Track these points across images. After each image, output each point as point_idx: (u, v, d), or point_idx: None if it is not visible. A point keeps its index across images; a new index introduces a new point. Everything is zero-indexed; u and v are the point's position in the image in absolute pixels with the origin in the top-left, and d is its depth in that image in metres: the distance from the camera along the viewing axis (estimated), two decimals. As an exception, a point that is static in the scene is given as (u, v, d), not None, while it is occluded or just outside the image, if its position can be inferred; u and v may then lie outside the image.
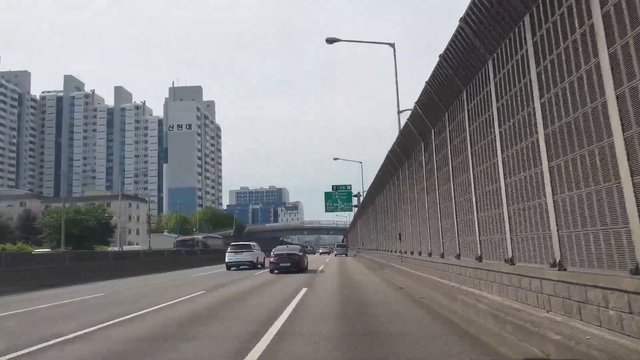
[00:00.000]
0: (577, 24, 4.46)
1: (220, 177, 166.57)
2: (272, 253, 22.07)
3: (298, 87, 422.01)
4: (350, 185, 51.64)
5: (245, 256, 25.98)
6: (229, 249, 26.69)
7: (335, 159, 47.41)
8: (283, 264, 20.64)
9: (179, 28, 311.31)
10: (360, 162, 49.60)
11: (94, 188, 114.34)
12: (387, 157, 16.74)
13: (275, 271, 20.49)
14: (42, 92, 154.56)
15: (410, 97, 14.74)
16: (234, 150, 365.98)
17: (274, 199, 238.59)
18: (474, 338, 5.36)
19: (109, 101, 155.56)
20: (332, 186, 49.85)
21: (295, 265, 20.69)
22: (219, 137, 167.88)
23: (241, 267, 25.30)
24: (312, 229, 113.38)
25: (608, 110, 4.01)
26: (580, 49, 4.43)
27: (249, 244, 27.33)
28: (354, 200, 46.80)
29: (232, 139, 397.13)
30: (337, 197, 48.98)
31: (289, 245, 28.06)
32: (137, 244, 71.88)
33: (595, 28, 4.13)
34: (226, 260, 25.70)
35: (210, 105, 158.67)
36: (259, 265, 26.37)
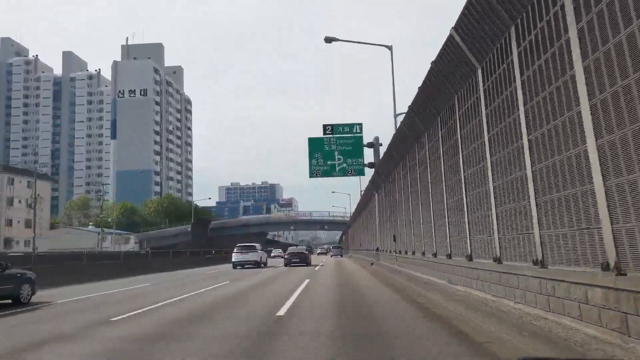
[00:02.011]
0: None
1: (189, 160, 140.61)
2: (286, 252, 34.11)
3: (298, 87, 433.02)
4: (360, 124, 28.85)
5: (250, 256, 30.62)
6: (235, 249, 31.23)
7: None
8: (294, 260, 31.08)
9: None
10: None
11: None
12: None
13: (289, 265, 30.40)
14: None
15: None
16: (234, 150, 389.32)
17: (266, 196, 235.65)
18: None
19: (59, 71, 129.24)
20: (324, 126, 28.72)
21: (303, 261, 31.02)
22: (189, 111, 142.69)
23: (246, 266, 29.80)
24: (301, 223, 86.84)
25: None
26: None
27: (254, 245, 32.20)
28: (368, 156, 27.97)
29: (232, 138, 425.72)
30: (334, 146, 28.48)
31: (298, 246, 44.56)
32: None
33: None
34: (233, 259, 30.27)
35: (178, 72, 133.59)
36: (262, 265, 31.11)
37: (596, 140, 4.84)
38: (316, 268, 23.58)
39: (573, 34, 5.12)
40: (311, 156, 26.94)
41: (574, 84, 5.22)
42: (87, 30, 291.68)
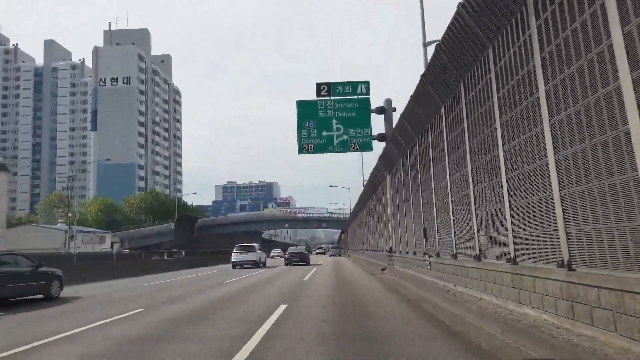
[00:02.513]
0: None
1: (179, 155, 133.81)
2: (287, 252, 36.00)
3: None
4: (366, 83, 22.30)
5: (249, 256, 31.66)
6: (234, 249, 32.22)
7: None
8: (294, 259, 33.16)
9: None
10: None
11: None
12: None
13: (290, 264, 32.43)
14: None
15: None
16: (234, 150, 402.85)
17: (264, 195, 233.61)
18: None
19: (41, 61, 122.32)
20: (319, 86, 22.25)
21: (302, 260, 33.10)
22: (178, 103, 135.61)
23: (245, 266, 31.06)
24: (296, 220, 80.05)
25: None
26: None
27: (253, 246, 33.16)
28: (377, 125, 28.81)
29: (232, 138, 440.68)
30: (332, 112, 21.69)
31: (297, 246, 45.70)
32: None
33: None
34: (232, 259, 31.48)
35: (166, 60, 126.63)
36: (261, 265, 32.26)
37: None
38: (305, 278, 18.74)
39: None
40: (301, 126, 21.40)
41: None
42: (72, 19, 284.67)
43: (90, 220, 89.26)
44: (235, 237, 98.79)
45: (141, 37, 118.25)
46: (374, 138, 20.40)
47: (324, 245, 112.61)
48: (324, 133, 20.29)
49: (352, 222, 51.90)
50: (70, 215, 56.89)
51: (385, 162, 19.36)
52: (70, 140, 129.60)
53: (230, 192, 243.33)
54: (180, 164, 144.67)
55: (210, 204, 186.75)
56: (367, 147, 20.98)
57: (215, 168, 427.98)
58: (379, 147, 20.87)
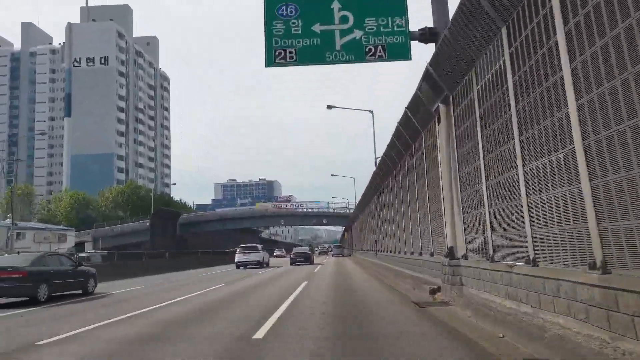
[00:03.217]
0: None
1: (166, 146, 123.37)
2: (292, 252, 40.06)
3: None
4: None
5: (252, 257, 32.97)
6: (238, 250, 33.79)
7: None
8: (299, 259, 36.33)
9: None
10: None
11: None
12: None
13: (295, 264, 35.30)
14: None
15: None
16: (235, 150, 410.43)
17: (264, 193, 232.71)
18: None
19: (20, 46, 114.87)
20: None
21: (306, 260, 36.23)
22: (166, 90, 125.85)
23: (248, 266, 32.29)
24: (293, 216, 69.73)
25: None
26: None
27: (256, 246, 35.10)
28: (416, 19, 11.60)
29: (233, 138, 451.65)
30: None
31: (301, 247, 50.76)
32: None
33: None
34: (236, 260, 32.80)
35: (152, 43, 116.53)
36: (264, 265, 33.43)
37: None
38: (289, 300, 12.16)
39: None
40: (272, 14, 11.83)
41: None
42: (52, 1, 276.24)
43: (60, 216, 79.33)
44: (227, 236, 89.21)
45: (122, 13, 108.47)
46: (413, 37, 11.26)
47: (326, 245, 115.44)
48: (318, 26, 11.58)
49: (357, 217, 45.32)
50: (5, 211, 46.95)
51: (439, 81, 9.20)
52: (50, 131, 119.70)
53: (231, 191, 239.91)
54: (168, 157, 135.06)
55: (210, 202, 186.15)
56: (399, 51, 11.58)
57: (216, 168, 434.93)
58: (420, 53, 12.14)
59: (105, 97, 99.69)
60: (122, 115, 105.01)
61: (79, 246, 64.28)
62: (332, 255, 59.88)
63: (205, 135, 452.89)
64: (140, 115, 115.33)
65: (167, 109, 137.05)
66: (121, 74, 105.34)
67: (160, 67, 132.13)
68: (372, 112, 31.85)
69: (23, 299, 12.89)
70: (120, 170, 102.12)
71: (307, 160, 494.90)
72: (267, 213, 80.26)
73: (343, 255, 58.68)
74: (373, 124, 31.54)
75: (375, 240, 27.57)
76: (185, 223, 76.22)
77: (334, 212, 76.12)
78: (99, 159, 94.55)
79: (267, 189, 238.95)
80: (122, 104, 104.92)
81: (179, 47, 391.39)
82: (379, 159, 21.85)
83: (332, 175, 62.54)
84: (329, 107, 32.20)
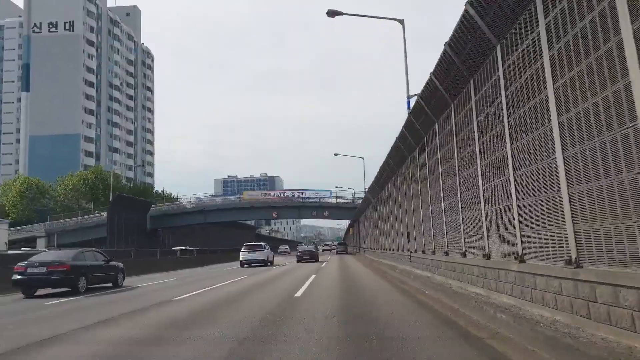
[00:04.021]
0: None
1: (149, 130, 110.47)
2: (298, 251, 43.22)
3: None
4: None
5: (257, 255, 34.33)
6: (243, 248, 35.33)
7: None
8: (305, 257, 39.43)
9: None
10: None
11: None
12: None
13: (301, 261, 38.31)
14: None
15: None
16: (238, 151, 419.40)
17: (265, 189, 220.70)
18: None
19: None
20: None
21: (312, 257, 39.37)
22: (149, 67, 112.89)
23: (253, 264, 33.96)
24: (288, 208, 55.85)
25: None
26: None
27: (261, 244, 36.48)
28: None
29: (233, 139, 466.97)
30: None
31: (308, 246, 53.48)
32: None
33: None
34: (240, 258, 34.64)
35: (132, 14, 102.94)
36: (269, 263, 35.19)
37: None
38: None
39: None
40: None
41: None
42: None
43: (8, 206, 66.38)
44: (215, 231, 77.02)
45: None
46: None
47: (329, 243, 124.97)
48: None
49: (368, 205, 41.05)
50: None
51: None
52: (17, 113, 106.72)
53: (231, 186, 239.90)
54: (151, 142, 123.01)
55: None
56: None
57: (217, 164, 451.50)
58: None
59: (71, 69, 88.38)
60: (92, 91, 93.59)
61: (25, 243, 51.96)
62: (337, 252, 67.83)
63: (207, 131, 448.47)
64: (116, 94, 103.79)
65: (150, 89, 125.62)
66: (90, 42, 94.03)
67: (142, 42, 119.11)
68: (402, 21, 19.26)
69: (65, 289, 15.45)
70: (88, 154, 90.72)
71: (308, 156, 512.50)
72: (256, 204, 68.37)
73: (346, 253, 66.60)
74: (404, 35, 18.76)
75: (408, 233, 19.45)
76: (157, 215, 64.57)
77: (338, 202, 63.43)
78: (62, 140, 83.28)
79: (268, 184, 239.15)
80: (92, 78, 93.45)
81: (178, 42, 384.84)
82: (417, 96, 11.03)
83: (335, 154, 50.34)
84: (331, 13, 20.85)
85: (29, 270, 14.77)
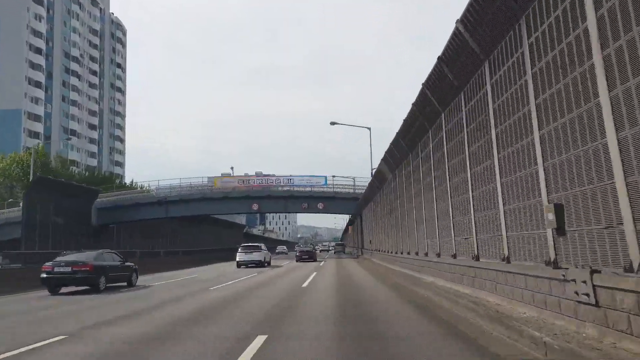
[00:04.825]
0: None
1: (118, 113, 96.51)
2: (297, 250, 48.37)
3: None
4: None
5: (254, 256, 34.85)
6: (239, 249, 36.40)
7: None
8: (304, 256, 43.20)
9: None
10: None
11: None
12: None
13: (300, 260, 42.56)
14: None
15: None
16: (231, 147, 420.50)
17: None
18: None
19: None
20: None
21: (311, 257, 43.50)
22: (119, 41, 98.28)
23: (249, 265, 35.04)
24: (270, 198, 40.06)
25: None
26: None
27: (258, 245, 37.41)
28: None
29: (226, 134, 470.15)
30: None
31: (307, 246, 56.11)
32: None
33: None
34: (237, 259, 35.38)
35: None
36: (266, 264, 36.08)
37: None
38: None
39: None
40: None
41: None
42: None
43: None
44: (186, 231, 64.04)
45: None
46: None
47: (326, 243, 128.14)
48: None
49: (373, 196, 34.53)
50: None
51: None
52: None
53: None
54: (121, 127, 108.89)
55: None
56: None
57: (210, 160, 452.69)
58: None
59: (11, 31, 73.66)
60: (41, 60, 79.39)
61: None
62: (335, 253, 72.20)
63: (201, 128, 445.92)
64: (75, 66, 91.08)
65: (121, 67, 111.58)
66: (39, 1, 78.37)
67: (112, 11, 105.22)
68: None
69: (85, 288, 17.77)
70: (34, 135, 77.62)
71: (301, 152, 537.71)
72: (231, 193, 54.14)
73: (344, 253, 70.79)
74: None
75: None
76: (107, 208, 50.79)
77: (335, 192, 50.13)
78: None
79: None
80: (40, 44, 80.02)
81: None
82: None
83: (332, 123, 37.78)
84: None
85: (56, 269, 16.97)
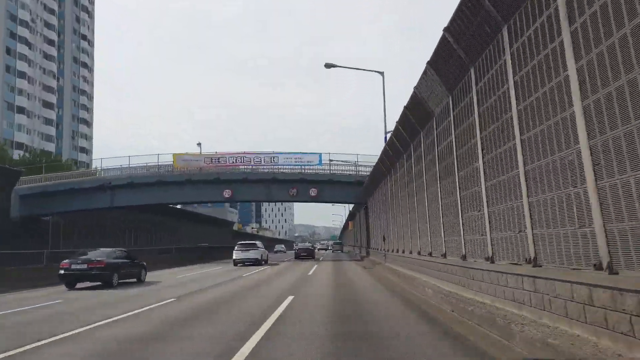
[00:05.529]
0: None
1: (85, 93, 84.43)
2: (297, 248, 52.40)
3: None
4: None
5: (251, 254, 35.79)
6: (236, 247, 37.24)
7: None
8: (303, 254, 47.76)
9: None
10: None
11: None
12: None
13: (299, 258, 47.29)
14: None
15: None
16: (220, 138, 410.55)
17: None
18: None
19: None
20: None
21: (309, 254, 48.47)
22: (85, 10, 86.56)
23: (246, 263, 36.29)
24: (247, 183, 25.07)
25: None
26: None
27: (255, 243, 38.65)
28: None
29: (215, 125, 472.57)
30: None
31: (306, 244, 59.94)
32: None
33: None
34: (233, 257, 36.54)
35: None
36: (263, 262, 37.69)
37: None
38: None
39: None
40: None
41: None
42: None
43: None
44: (153, 226, 53.20)
45: None
46: None
47: (324, 242, 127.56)
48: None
49: (383, 179, 26.77)
50: None
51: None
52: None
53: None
54: (88, 109, 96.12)
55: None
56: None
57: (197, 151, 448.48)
58: None
59: None
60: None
61: None
62: (333, 252, 76.21)
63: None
64: (24, 32, 77.88)
65: (87, 39, 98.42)
66: None
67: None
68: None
69: (100, 283, 19.54)
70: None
71: (295, 145, 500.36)
72: (195, 176, 41.77)
73: (342, 252, 75.56)
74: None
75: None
76: (35, 195, 38.39)
77: (332, 174, 37.88)
78: None
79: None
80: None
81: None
82: None
83: (327, 66, 26.89)
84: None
85: (73, 266, 18.75)
